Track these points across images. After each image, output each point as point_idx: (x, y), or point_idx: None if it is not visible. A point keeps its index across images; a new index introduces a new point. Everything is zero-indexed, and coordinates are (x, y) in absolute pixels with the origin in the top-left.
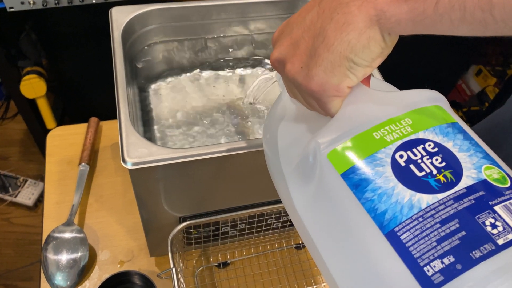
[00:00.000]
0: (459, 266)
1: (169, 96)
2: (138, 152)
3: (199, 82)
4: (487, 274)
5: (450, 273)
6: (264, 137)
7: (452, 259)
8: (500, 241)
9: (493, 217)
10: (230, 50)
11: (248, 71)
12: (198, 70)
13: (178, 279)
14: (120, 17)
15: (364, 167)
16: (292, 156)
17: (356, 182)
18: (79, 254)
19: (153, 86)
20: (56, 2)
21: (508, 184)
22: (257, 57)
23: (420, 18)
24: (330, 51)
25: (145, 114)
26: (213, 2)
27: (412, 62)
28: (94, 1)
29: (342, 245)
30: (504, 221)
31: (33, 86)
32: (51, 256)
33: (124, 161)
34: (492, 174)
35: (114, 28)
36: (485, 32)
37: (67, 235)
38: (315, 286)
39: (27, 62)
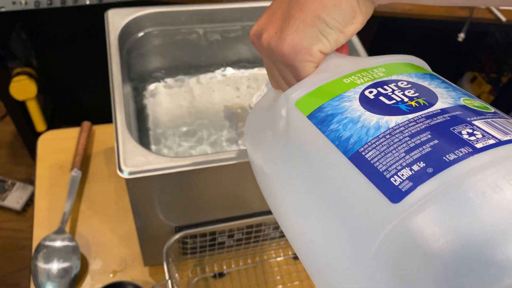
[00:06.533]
0: (430, 170)
1: (166, 99)
2: (135, 160)
3: (198, 85)
4: (461, 174)
5: (420, 178)
6: (246, 136)
7: (422, 164)
8: (479, 145)
9: (471, 128)
10: (231, 52)
11: (247, 72)
12: (197, 72)
13: None
14: (116, 20)
15: (330, 105)
16: (265, 134)
17: (321, 119)
18: (71, 263)
19: (149, 88)
20: (48, 2)
21: (491, 110)
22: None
23: None
24: (302, 10)
25: (141, 118)
26: (210, 7)
27: None
28: (88, 2)
29: (312, 191)
30: (484, 130)
31: (23, 88)
32: (41, 265)
33: (120, 169)
34: (472, 103)
35: (110, 31)
36: None
37: (58, 243)
38: None
39: (17, 63)
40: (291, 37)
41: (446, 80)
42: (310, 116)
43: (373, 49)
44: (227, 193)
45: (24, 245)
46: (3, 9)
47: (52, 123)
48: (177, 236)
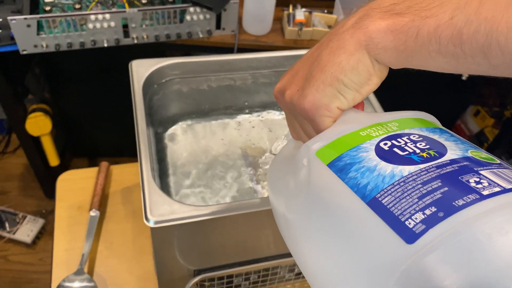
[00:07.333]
0: (441, 214)
1: (186, 143)
2: (161, 210)
3: (216, 129)
4: (470, 218)
5: (432, 221)
6: (269, 184)
7: (433, 209)
8: (486, 192)
9: (478, 177)
10: (247, 98)
11: (264, 117)
12: (215, 117)
13: None
14: (140, 70)
15: (348, 155)
16: (287, 182)
17: (341, 167)
18: None
19: (169, 132)
20: (68, 46)
21: (497, 162)
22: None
23: (402, 47)
24: (323, 71)
25: (161, 161)
26: (226, 57)
27: (411, 101)
28: (105, 45)
29: (333, 233)
30: (490, 179)
31: (38, 124)
32: None
33: (147, 219)
34: (479, 154)
35: (135, 82)
36: (457, 66)
37: (77, 284)
38: None
39: (33, 100)
40: (312, 95)
41: (455, 134)
42: (330, 165)
43: (380, 86)
44: (245, 238)
45: (33, 278)
46: (25, 52)
47: (63, 155)
48: (196, 279)
